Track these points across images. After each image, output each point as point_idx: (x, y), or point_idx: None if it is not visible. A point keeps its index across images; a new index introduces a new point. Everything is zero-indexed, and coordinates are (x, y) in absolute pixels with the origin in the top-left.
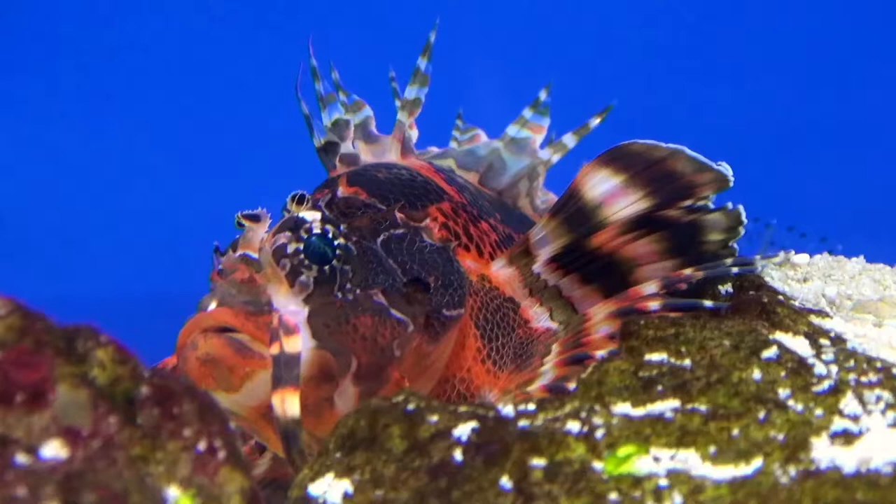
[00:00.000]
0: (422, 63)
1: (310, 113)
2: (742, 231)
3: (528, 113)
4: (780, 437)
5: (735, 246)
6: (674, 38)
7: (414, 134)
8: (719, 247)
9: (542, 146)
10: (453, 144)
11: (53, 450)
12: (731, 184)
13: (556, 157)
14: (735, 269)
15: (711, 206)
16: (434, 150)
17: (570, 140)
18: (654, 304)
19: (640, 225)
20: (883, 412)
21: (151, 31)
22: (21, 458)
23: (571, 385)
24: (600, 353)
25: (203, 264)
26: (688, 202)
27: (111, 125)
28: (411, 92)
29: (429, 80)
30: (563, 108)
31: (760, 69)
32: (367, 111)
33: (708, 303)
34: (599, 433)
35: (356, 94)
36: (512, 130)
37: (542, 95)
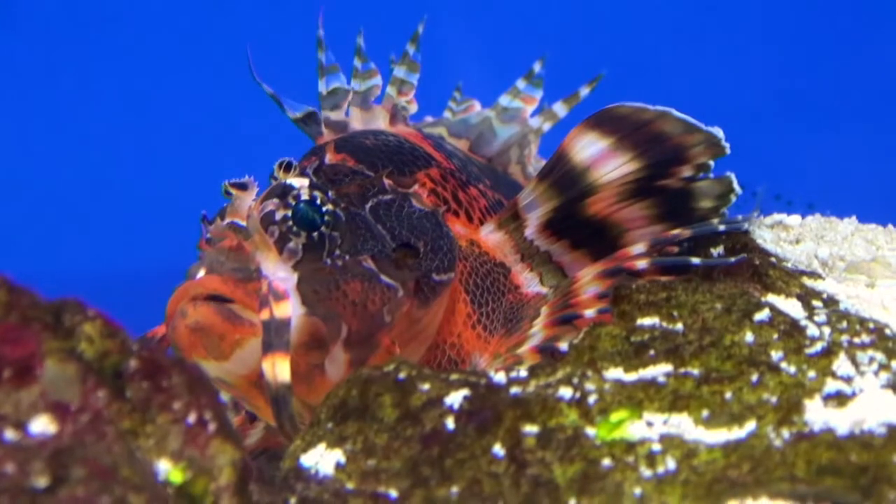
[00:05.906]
0: (410, 49)
1: (274, 92)
2: (734, 198)
3: (521, 84)
4: (773, 399)
5: (726, 213)
6: (662, 7)
7: (412, 108)
8: (710, 214)
9: (533, 115)
10: (447, 114)
11: (42, 425)
12: (726, 148)
13: (546, 126)
14: (722, 227)
15: (712, 176)
16: (429, 119)
17: (560, 109)
18: (641, 263)
19: (633, 192)
20: (876, 373)
21: (146, 4)
22: (9, 434)
23: (562, 345)
24: (589, 312)
25: (190, 235)
26: (687, 172)
27: (99, 99)
28: (399, 72)
29: (418, 67)
30: (557, 80)
31: (748, 39)
32: (376, 81)
33: (696, 260)
34: (592, 399)
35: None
36: (504, 100)
37: (536, 67)
